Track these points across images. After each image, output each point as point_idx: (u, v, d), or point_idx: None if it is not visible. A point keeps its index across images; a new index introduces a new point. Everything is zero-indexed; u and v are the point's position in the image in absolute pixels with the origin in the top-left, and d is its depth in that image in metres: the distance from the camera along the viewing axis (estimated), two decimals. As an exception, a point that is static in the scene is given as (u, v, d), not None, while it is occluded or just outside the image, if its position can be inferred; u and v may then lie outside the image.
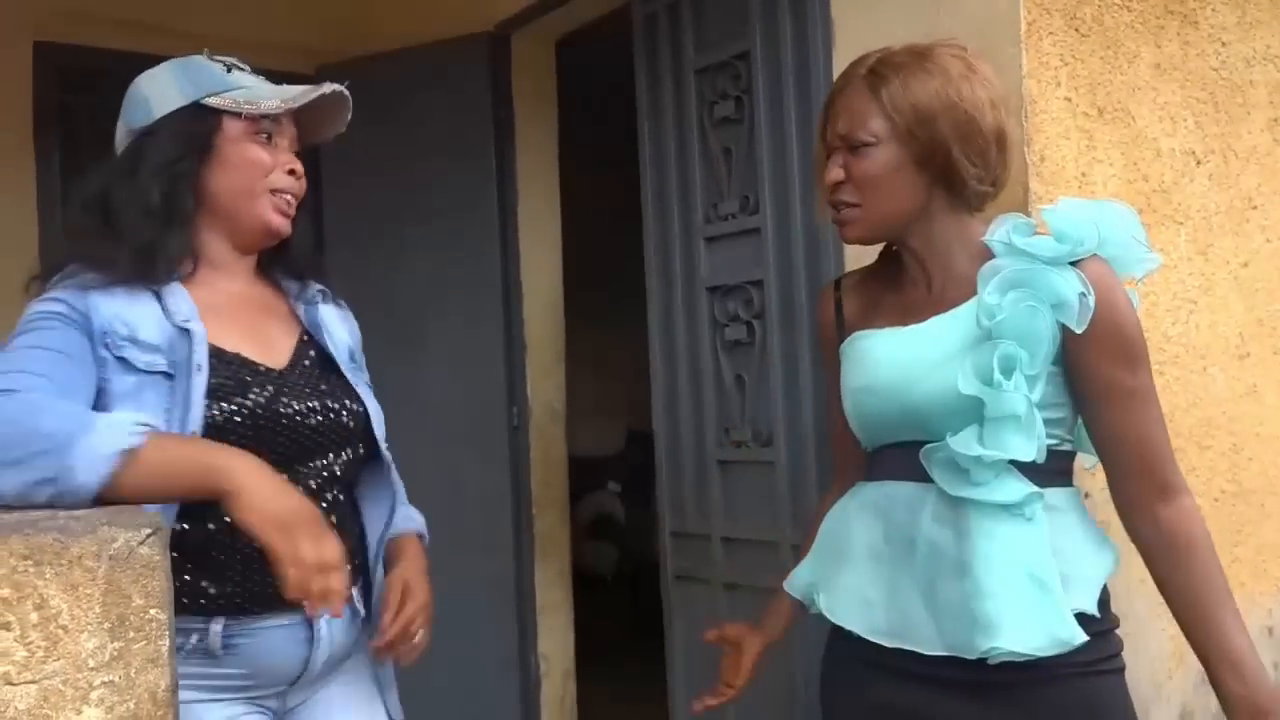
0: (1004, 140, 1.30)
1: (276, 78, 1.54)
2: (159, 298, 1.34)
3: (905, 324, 1.33)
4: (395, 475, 1.54)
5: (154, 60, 1.49)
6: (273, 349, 1.43)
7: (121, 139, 1.45)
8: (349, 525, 1.44)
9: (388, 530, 1.51)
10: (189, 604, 1.29)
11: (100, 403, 1.25)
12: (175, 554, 1.24)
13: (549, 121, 3.33)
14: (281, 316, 1.49)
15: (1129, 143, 1.95)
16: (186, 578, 1.29)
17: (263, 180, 1.41)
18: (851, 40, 2.06)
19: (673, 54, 2.49)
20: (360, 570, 1.46)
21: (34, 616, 0.80)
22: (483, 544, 3.12)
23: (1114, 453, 1.30)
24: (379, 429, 1.49)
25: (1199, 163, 2.07)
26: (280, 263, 1.52)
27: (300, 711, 1.42)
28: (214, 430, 1.28)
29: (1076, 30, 1.87)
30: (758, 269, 2.30)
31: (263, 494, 1.13)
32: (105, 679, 0.82)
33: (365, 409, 1.47)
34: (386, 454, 1.51)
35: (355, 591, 1.44)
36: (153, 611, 0.85)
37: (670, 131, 2.50)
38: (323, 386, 1.43)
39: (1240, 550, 2.07)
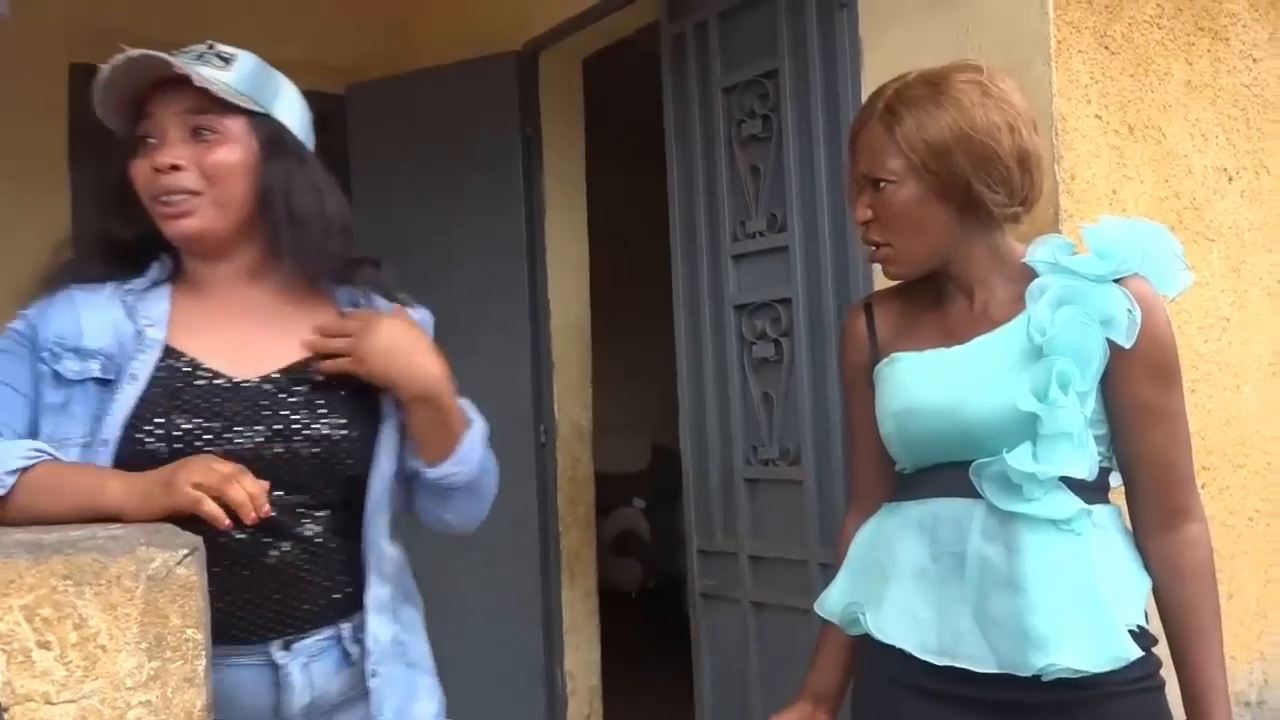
0: (1028, 160, 1.29)
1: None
2: (130, 304, 1.29)
3: (948, 344, 1.32)
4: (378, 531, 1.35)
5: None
6: (256, 360, 1.30)
7: None
8: (328, 565, 1.30)
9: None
10: None
11: (34, 417, 1.23)
12: None
13: (576, 140, 3.35)
14: (283, 333, 1.33)
15: (1160, 160, 1.94)
16: None
17: (145, 193, 1.28)
18: (880, 59, 2.06)
19: (700, 72, 2.50)
20: (353, 607, 1.32)
21: (73, 636, 0.81)
22: (510, 561, 3.12)
23: (1135, 471, 1.30)
24: (380, 457, 1.34)
25: (1231, 179, 2.05)
26: (297, 264, 1.35)
27: None
28: (140, 455, 1.21)
29: (1106, 48, 1.87)
30: (785, 287, 2.30)
31: (135, 503, 1.11)
32: (143, 699, 0.83)
33: (353, 435, 1.31)
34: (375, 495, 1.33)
35: (347, 629, 1.31)
36: (189, 631, 0.85)
37: (698, 149, 2.51)
38: (286, 411, 1.27)
39: (1275, 570, 2.05)
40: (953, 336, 1.33)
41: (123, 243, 1.33)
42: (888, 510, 1.39)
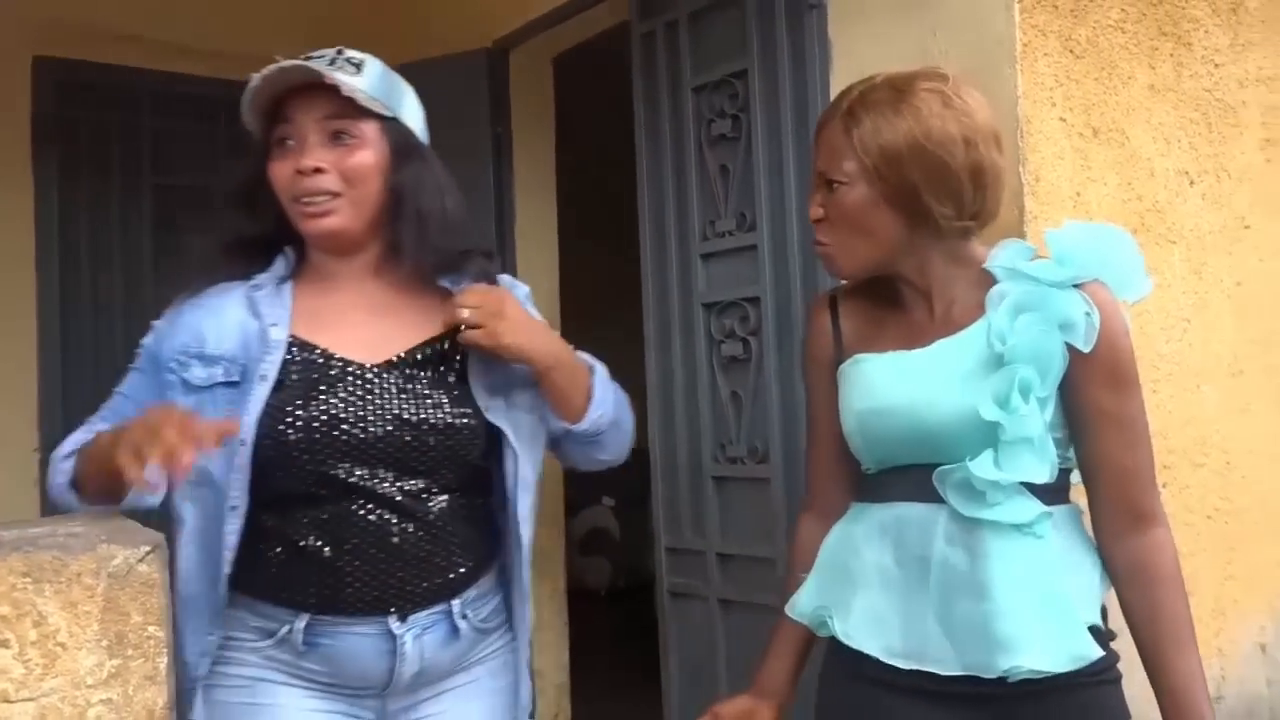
0: (982, 175, 1.29)
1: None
2: (255, 302, 1.38)
3: (911, 347, 1.33)
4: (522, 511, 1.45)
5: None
6: (383, 351, 1.38)
7: None
8: (447, 545, 1.38)
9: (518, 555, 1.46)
10: (277, 597, 1.33)
11: None
12: (270, 551, 1.33)
13: (546, 138, 3.34)
14: (401, 322, 1.42)
15: (1123, 163, 1.96)
16: (274, 571, 1.33)
17: (286, 194, 1.37)
18: (848, 60, 2.08)
19: (670, 72, 2.50)
20: (465, 585, 1.40)
21: (33, 634, 0.80)
22: (478, 559, 3.12)
23: (1095, 475, 1.31)
24: (519, 449, 1.41)
25: (1192, 183, 2.08)
26: (421, 258, 1.42)
27: None
28: (282, 448, 1.31)
29: (1071, 52, 1.89)
30: (754, 286, 2.31)
31: (112, 451, 1.16)
32: (103, 696, 0.82)
33: (474, 424, 1.38)
34: (515, 495, 1.43)
35: (456, 605, 1.39)
36: (151, 629, 0.85)
37: (667, 148, 2.51)
38: (415, 400, 1.36)
39: (1233, 568, 2.08)
40: (915, 339, 1.34)
41: (252, 240, 1.44)
42: (854, 513, 1.39)
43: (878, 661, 1.30)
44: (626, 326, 3.22)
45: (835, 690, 1.40)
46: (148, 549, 0.85)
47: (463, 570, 1.39)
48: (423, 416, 1.36)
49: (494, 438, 1.42)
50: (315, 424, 1.31)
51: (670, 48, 2.50)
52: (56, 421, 3.01)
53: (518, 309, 1.41)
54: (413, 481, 1.35)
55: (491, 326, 1.36)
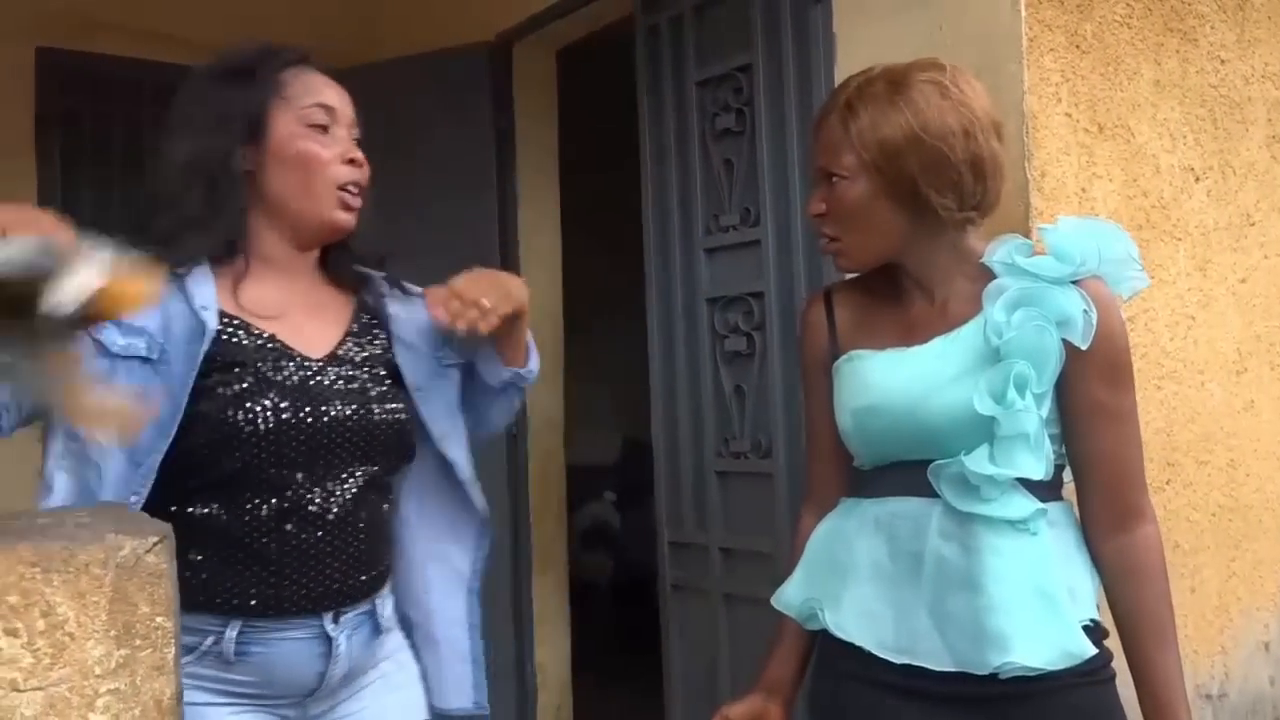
0: (981, 166, 1.28)
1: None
2: (183, 284, 1.31)
3: (908, 343, 1.32)
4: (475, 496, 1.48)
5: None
6: (326, 342, 1.39)
7: None
8: (378, 540, 1.39)
9: (473, 617, 1.48)
10: (206, 604, 1.26)
11: None
12: (199, 555, 1.26)
13: (549, 131, 3.34)
14: (332, 317, 1.43)
15: (1129, 159, 1.96)
16: (205, 576, 1.27)
17: (322, 176, 1.35)
18: (853, 54, 2.07)
19: (674, 66, 2.50)
20: (387, 576, 1.42)
21: (41, 623, 0.80)
22: (480, 553, 3.12)
23: (1086, 471, 1.31)
24: (444, 439, 1.44)
25: (1198, 179, 2.08)
26: (344, 256, 1.46)
27: None
28: (230, 430, 1.26)
29: (1077, 47, 1.88)
30: (758, 281, 2.30)
31: None
32: (111, 687, 0.82)
33: (408, 418, 1.40)
34: (464, 471, 1.46)
35: (379, 603, 1.40)
36: (159, 619, 0.85)
37: (671, 143, 2.51)
38: (352, 386, 1.36)
39: (1237, 565, 2.08)
40: (912, 335, 1.33)
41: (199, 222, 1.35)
42: (845, 507, 1.39)
43: (870, 659, 1.30)
44: (630, 321, 3.22)
45: (825, 690, 1.39)
46: (156, 539, 0.85)
47: (385, 565, 1.41)
48: (367, 409, 1.35)
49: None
50: (268, 413, 1.28)
51: (675, 41, 2.50)
52: (59, 412, 3.00)
53: (480, 275, 1.43)
54: (357, 473, 1.34)
55: (484, 308, 1.39)
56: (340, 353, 1.39)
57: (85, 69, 3.12)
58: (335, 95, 1.40)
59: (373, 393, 1.37)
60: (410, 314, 1.48)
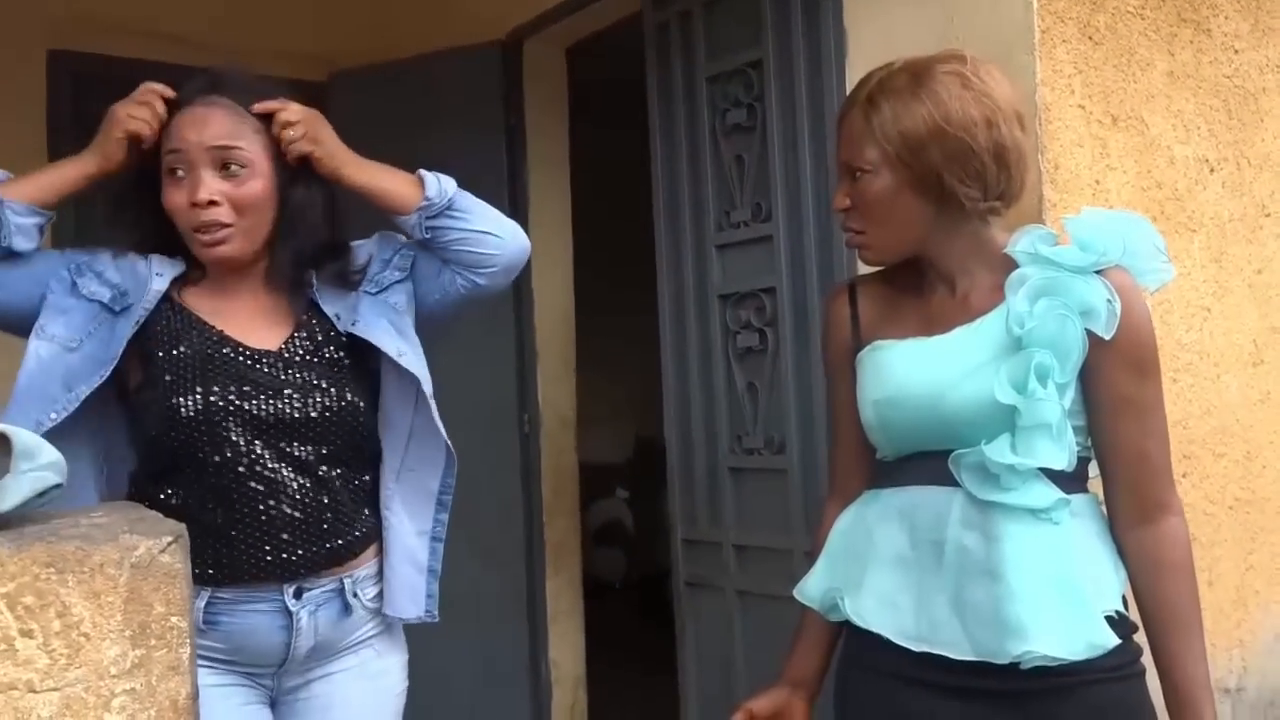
0: (1005, 155, 1.28)
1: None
2: (150, 256, 1.48)
3: (930, 333, 1.32)
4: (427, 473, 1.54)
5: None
6: (267, 337, 1.47)
7: None
8: (339, 515, 1.45)
9: (437, 530, 1.55)
10: None
11: (37, 307, 1.43)
12: None
13: (560, 129, 3.34)
14: (277, 317, 1.50)
15: (1142, 150, 1.95)
16: None
17: (183, 221, 1.44)
18: (864, 48, 2.06)
19: (684, 61, 2.49)
20: (353, 551, 1.48)
21: (56, 624, 0.80)
22: (494, 551, 3.12)
23: (1111, 463, 1.30)
24: (402, 357, 1.49)
25: (1212, 170, 2.07)
26: (283, 260, 1.51)
27: (300, 700, 1.47)
28: (173, 420, 1.39)
29: (1090, 39, 1.87)
30: (770, 276, 2.30)
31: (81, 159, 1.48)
32: (126, 687, 0.82)
33: (356, 401, 1.47)
34: (427, 385, 1.52)
35: (349, 583, 1.47)
36: (174, 619, 0.85)
37: (682, 139, 2.50)
38: (298, 377, 1.44)
39: (1254, 558, 2.07)
40: (934, 325, 1.33)
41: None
42: (867, 497, 1.39)
43: (891, 649, 1.29)
44: (641, 318, 3.21)
45: (850, 682, 1.39)
46: (170, 539, 0.85)
47: (351, 539, 1.46)
48: (308, 393, 1.43)
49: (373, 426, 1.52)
50: (211, 400, 1.39)
51: (684, 37, 2.49)
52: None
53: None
54: (307, 453, 1.43)
55: (313, 132, 1.48)
56: (286, 347, 1.46)
57: (97, 72, 3.12)
58: (191, 129, 1.43)
59: (319, 384, 1.44)
60: (336, 283, 1.53)
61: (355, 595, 1.48)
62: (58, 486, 0.92)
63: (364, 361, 1.51)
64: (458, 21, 3.25)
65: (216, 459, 1.39)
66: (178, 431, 1.38)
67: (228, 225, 1.42)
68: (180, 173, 1.42)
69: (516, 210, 3.20)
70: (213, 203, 1.41)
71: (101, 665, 0.81)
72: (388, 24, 3.45)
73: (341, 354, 1.49)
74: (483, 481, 3.12)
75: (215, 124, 1.43)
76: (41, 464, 0.91)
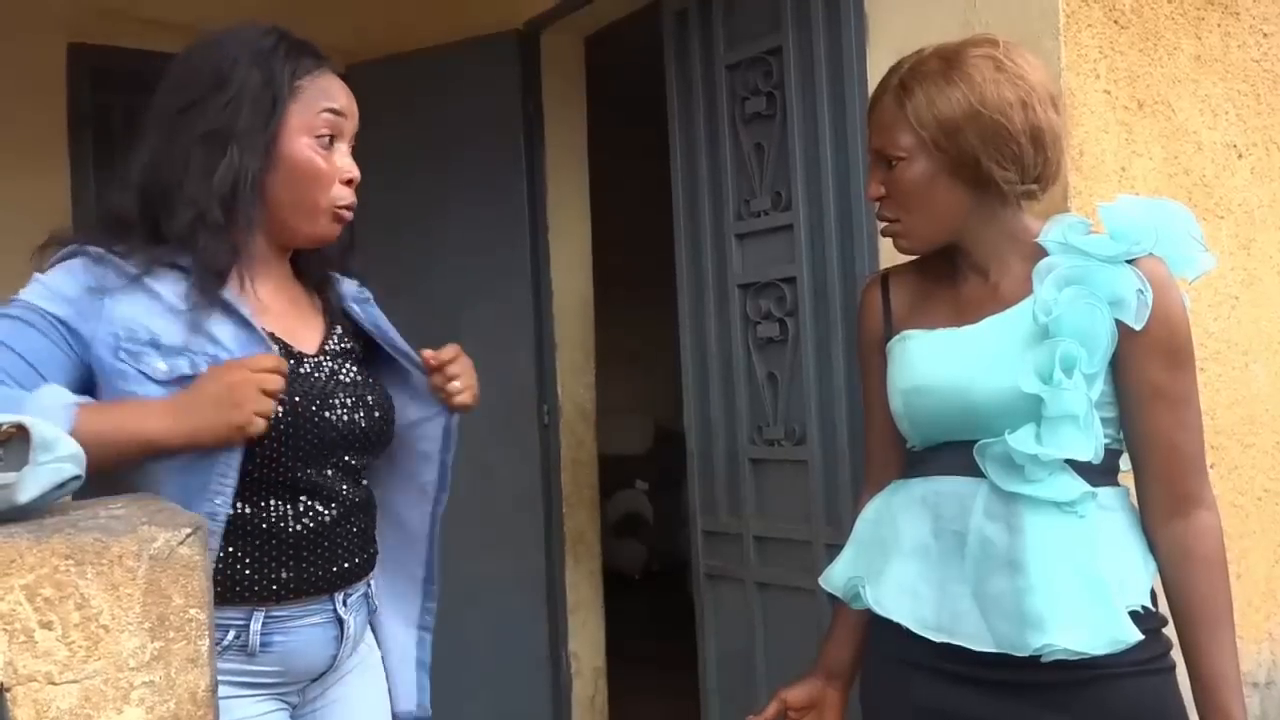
0: (1041, 137, 1.27)
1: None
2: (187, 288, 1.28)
3: (960, 323, 1.31)
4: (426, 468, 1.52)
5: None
6: (308, 340, 1.41)
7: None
8: (362, 519, 1.42)
9: (434, 528, 1.52)
10: (230, 596, 1.27)
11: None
12: (227, 548, 1.28)
13: (579, 118, 3.33)
14: (310, 313, 1.45)
15: (1169, 136, 1.92)
16: (236, 568, 1.29)
17: (325, 195, 1.34)
18: (885, 34, 2.04)
19: (703, 49, 2.48)
20: (376, 558, 1.46)
21: (75, 616, 0.80)
22: (514, 542, 3.12)
23: (1143, 455, 1.28)
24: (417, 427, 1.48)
25: (1240, 156, 2.04)
26: (315, 256, 1.46)
27: (319, 708, 1.42)
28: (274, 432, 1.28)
29: (1116, 22, 1.84)
30: (790, 266, 2.28)
31: (183, 431, 1.19)
32: (145, 679, 0.82)
33: (391, 407, 1.45)
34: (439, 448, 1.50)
35: (371, 583, 1.45)
36: (193, 611, 0.84)
37: (701, 128, 2.49)
38: (346, 379, 1.40)
39: (1284, 550, 2.04)
40: (964, 315, 1.32)
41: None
42: (894, 487, 1.38)
43: (915, 641, 1.28)
44: (661, 309, 3.20)
45: (875, 673, 1.39)
46: (189, 531, 0.85)
47: (375, 548, 1.46)
48: (362, 400, 1.39)
49: None
50: (298, 410, 1.30)
51: (703, 25, 2.48)
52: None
53: (468, 363, 1.50)
54: (354, 459, 1.39)
55: (471, 391, 1.47)
56: (328, 348, 1.42)
57: (117, 65, 3.13)
58: (345, 100, 1.37)
59: (362, 385, 1.41)
60: (365, 310, 1.51)
61: (373, 594, 1.47)
62: (76, 478, 0.91)
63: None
64: (475, 12, 3.24)
65: (294, 474, 1.31)
66: (260, 448, 1.27)
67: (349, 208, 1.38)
68: (331, 140, 1.34)
69: (535, 200, 3.20)
70: (351, 182, 1.36)
71: (120, 657, 0.81)
72: (406, 15, 3.44)
73: (360, 358, 1.47)
74: (502, 473, 3.13)
75: (355, 102, 1.38)
76: (61, 455, 0.90)
